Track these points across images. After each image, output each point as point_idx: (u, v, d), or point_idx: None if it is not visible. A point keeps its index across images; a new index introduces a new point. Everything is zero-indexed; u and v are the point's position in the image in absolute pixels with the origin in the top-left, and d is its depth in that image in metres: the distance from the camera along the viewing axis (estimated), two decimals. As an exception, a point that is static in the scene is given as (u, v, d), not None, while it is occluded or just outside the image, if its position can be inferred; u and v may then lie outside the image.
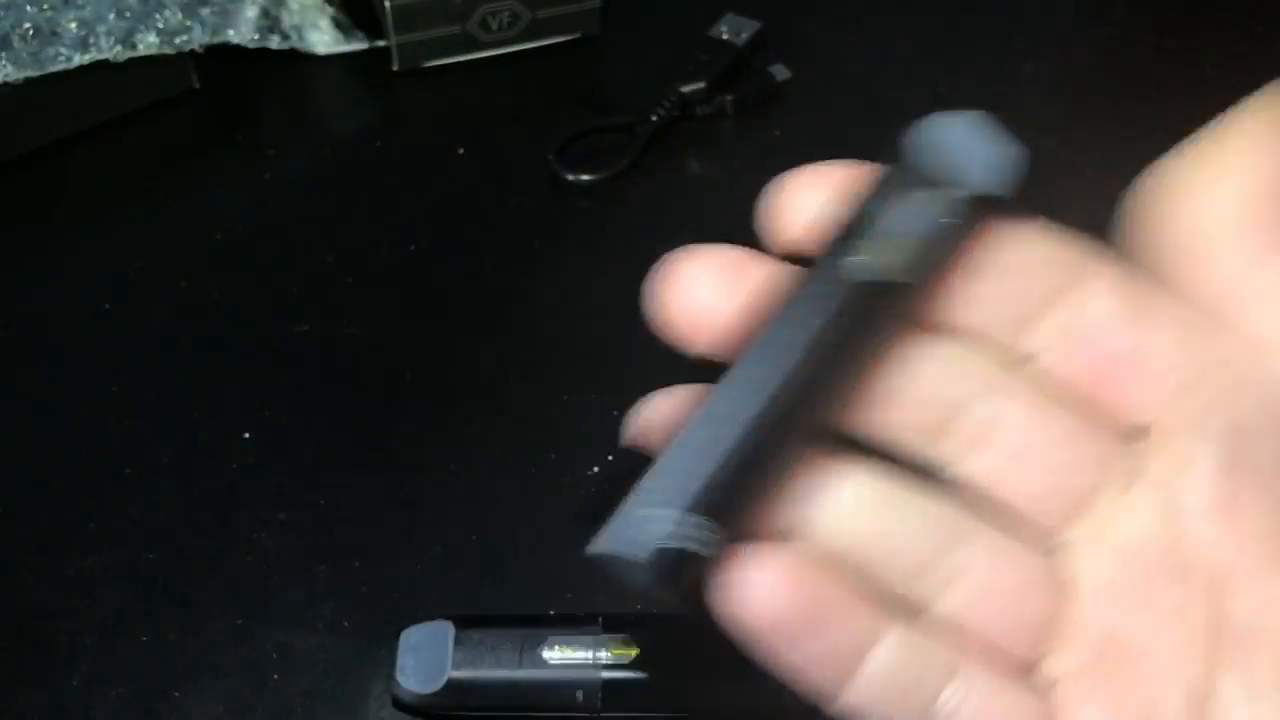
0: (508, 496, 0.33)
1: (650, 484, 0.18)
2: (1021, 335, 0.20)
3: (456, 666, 0.27)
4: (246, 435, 0.34)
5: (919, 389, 0.19)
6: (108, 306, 0.37)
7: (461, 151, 0.43)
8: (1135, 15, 0.50)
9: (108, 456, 0.33)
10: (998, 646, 0.19)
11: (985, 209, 0.20)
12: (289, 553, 0.31)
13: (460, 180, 0.42)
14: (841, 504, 0.19)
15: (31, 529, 0.32)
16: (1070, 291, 0.19)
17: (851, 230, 0.20)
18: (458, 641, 0.28)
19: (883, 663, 0.18)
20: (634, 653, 0.27)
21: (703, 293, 0.20)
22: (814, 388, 0.19)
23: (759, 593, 0.18)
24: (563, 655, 0.27)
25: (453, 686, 0.27)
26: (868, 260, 0.19)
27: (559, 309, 0.38)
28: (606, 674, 0.27)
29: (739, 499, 0.18)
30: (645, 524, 0.18)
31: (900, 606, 0.19)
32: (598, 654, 0.27)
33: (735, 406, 0.19)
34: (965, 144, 0.20)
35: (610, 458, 0.34)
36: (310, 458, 0.33)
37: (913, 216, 0.20)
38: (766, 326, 0.19)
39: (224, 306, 0.38)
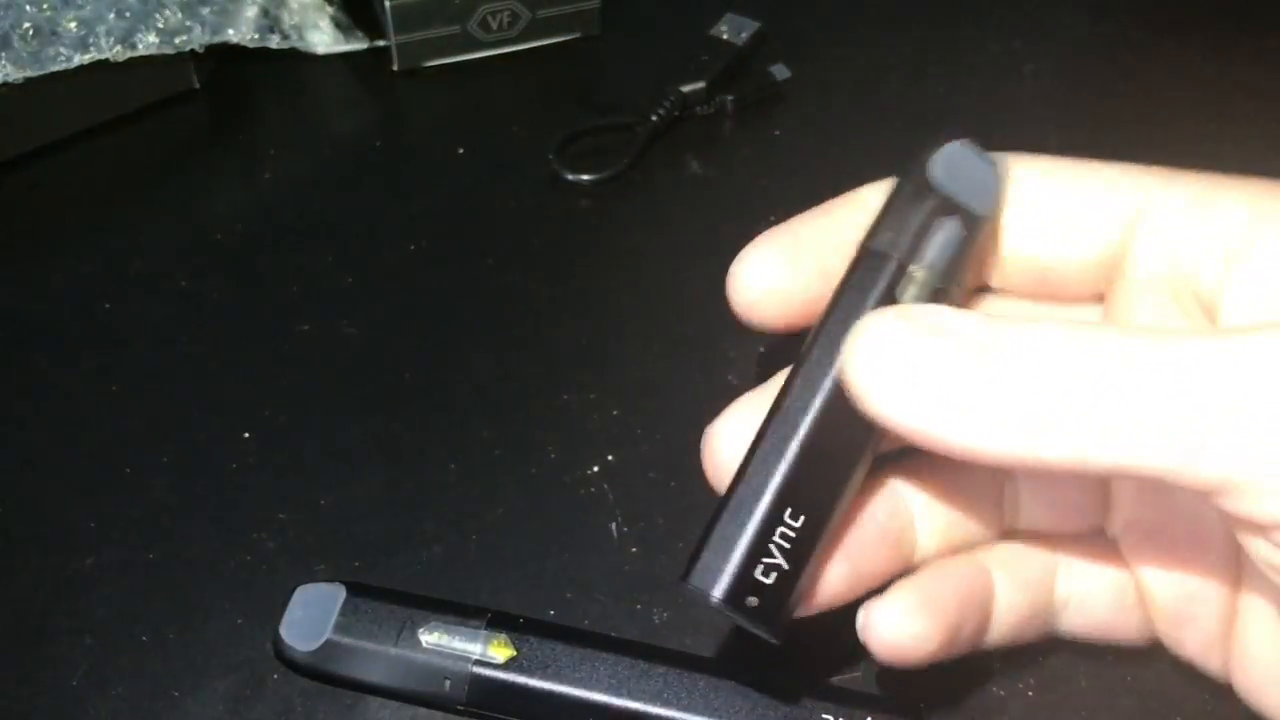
0: (508, 496, 0.33)
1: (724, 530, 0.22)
2: None
3: (336, 630, 0.28)
4: (246, 435, 0.34)
5: None
6: (108, 306, 0.37)
7: (461, 151, 0.43)
8: (1135, 15, 0.50)
9: (108, 456, 0.33)
10: None
11: (987, 225, 0.23)
12: (289, 553, 0.31)
13: (460, 180, 0.42)
14: None
15: (31, 529, 0.32)
16: None
17: (881, 259, 0.22)
18: (345, 607, 0.28)
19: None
20: (510, 654, 0.27)
21: (767, 276, 0.23)
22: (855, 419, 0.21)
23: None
24: (439, 641, 0.27)
25: (328, 649, 0.28)
26: (900, 290, 0.22)
27: (559, 309, 0.38)
28: (477, 669, 0.27)
29: (803, 534, 0.22)
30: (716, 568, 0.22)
31: None
32: (474, 647, 0.27)
33: (789, 444, 0.22)
34: (966, 167, 0.22)
35: (610, 458, 0.34)
36: (310, 458, 0.33)
37: (935, 242, 0.22)
38: (810, 360, 0.22)
39: (224, 306, 0.38)
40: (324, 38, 0.46)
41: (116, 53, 0.40)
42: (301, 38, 0.46)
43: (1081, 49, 0.49)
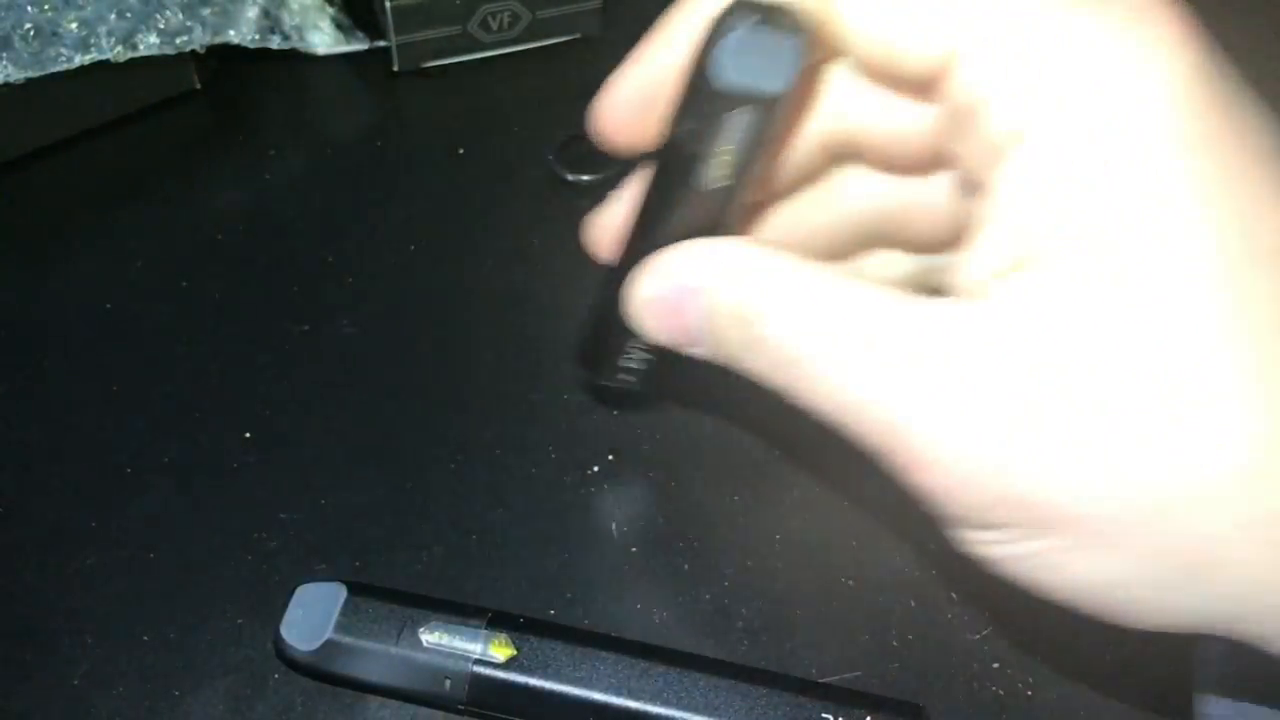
0: (508, 496, 0.33)
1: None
2: None
3: (336, 630, 0.28)
4: (247, 435, 0.34)
5: None
6: (108, 306, 0.37)
7: (461, 151, 0.43)
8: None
9: (108, 456, 0.33)
10: None
11: (786, 102, 0.23)
12: (289, 552, 0.31)
13: (460, 180, 0.42)
14: None
15: (31, 529, 0.32)
16: None
17: (680, 150, 0.24)
18: (345, 606, 0.28)
19: None
20: (511, 654, 0.27)
21: (630, 124, 0.26)
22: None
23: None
24: (440, 640, 0.27)
25: (328, 648, 0.28)
26: (702, 173, 0.24)
27: (559, 309, 0.38)
28: (478, 668, 0.27)
29: None
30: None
31: None
32: (475, 647, 0.27)
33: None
34: (759, 46, 0.22)
35: (610, 458, 0.34)
36: (310, 458, 0.33)
37: (729, 131, 0.23)
38: (632, 240, 0.27)
39: (224, 306, 0.38)
40: (324, 38, 0.46)
41: (117, 53, 0.40)
42: (302, 38, 0.46)
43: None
